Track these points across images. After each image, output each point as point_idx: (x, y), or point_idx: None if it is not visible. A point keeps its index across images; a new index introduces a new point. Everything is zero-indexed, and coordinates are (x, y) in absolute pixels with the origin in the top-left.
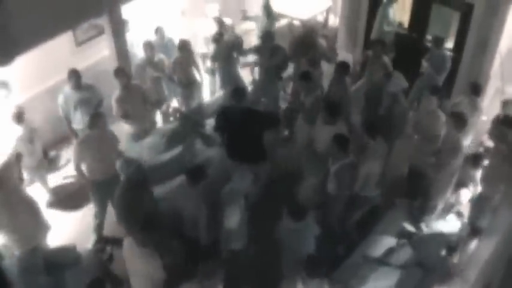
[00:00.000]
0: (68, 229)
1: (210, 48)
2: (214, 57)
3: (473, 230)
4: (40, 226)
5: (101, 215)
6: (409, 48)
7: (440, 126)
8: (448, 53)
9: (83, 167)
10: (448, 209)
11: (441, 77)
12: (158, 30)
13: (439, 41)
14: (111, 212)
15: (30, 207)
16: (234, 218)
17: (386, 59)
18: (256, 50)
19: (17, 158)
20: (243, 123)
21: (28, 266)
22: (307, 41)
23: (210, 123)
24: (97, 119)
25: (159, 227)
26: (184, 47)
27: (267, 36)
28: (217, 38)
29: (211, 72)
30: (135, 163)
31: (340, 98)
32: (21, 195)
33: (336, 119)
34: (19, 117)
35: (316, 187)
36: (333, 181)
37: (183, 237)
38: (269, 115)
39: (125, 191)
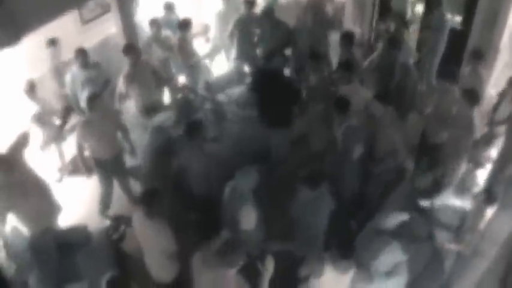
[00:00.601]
0: (79, 210)
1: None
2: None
3: (488, 196)
4: (51, 207)
5: (106, 193)
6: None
7: (454, 104)
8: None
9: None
10: (463, 189)
11: (443, 38)
12: (167, 6)
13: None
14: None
15: (41, 188)
16: (248, 219)
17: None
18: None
19: (24, 138)
20: (279, 86)
21: (39, 247)
22: (316, 6)
23: (222, 97)
24: (95, 100)
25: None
26: (185, 25)
27: (266, 13)
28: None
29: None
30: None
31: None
32: (31, 176)
33: (350, 76)
34: (31, 89)
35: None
36: (341, 143)
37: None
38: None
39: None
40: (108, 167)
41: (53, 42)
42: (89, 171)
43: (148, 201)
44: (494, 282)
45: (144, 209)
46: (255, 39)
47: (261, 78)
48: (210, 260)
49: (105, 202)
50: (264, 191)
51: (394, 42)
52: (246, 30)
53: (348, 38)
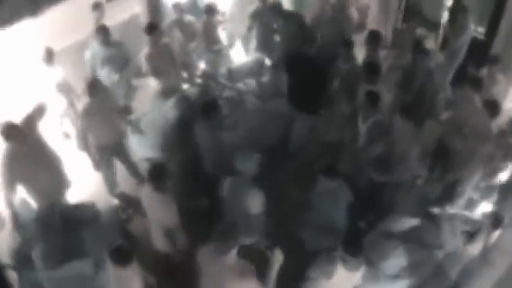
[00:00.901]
0: (88, 187)
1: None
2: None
3: (495, 218)
4: (61, 181)
5: (109, 175)
6: None
7: (474, 113)
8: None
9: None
10: (475, 200)
11: (465, 45)
12: None
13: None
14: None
15: (53, 161)
16: (255, 203)
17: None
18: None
19: (40, 109)
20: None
21: (46, 220)
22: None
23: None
24: (94, 85)
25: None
26: (210, 10)
27: (273, 7)
28: None
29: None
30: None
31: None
32: (44, 148)
33: (375, 78)
34: (49, 57)
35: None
36: (364, 138)
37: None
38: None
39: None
40: (111, 152)
41: (97, 6)
42: (94, 160)
43: (156, 176)
44: None
45: (152, 184)
46: (274, 30)
47: (293, 61)
48: (210, 250)
49: (110, 182)
50: (269, 178)
51: (421, 47)
52: (263, 21)
53: (374, 37)
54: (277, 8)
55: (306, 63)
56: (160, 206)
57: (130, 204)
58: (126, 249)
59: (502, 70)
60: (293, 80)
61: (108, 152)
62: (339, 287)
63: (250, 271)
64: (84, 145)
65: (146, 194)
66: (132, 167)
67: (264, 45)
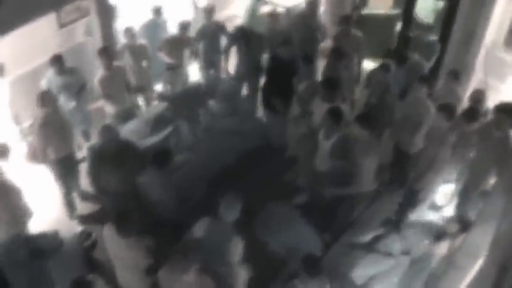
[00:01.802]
0: (50, 215)
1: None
2: (199, 37)
3: (462, 223)
4: (20, 214)
5: (67, 193)
6: None
7: (429, 116)
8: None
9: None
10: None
11: (429, 64)
12: (155, 10)
13: (429, 29)
14: None
15: (11, 195)
16: (236, 251)
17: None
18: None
19: (4, 152)
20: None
21: (10, 253)
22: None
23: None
24: (45, 96)
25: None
26: (185, 27)
27: (239, 31)
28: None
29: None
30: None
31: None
32: (1, 183)
33: (334, 95)
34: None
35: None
36: (327, 155)
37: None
38: None
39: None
40: (66, 166)
41: None
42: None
43: (122, 222)
44: None
45: (118, 229)
46: (219, 47)
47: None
48: (172, 269)
49: (69, 202)
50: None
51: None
52: (209, 39)
53: (337, 53)
54: (221, 27)
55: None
56: (125, 249)
57: (92, 228)
58: (86, 282)
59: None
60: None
61: (63, 166)
62: None
63: (210, 285)
64: (44, 158)
65: (110, 236)
66: (77, 186)
67: (208, 62)
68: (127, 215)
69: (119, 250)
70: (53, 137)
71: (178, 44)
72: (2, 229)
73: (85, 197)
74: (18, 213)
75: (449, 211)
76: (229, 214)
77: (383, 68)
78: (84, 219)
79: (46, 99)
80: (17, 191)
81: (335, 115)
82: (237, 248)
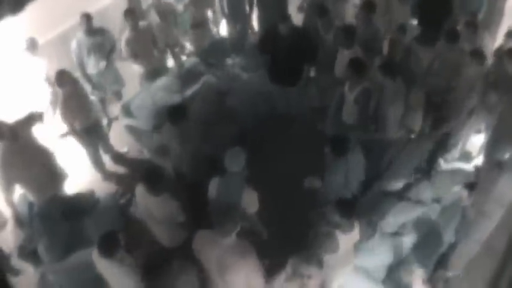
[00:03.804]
0: (86, 176)
1: None
2: None
3: (493, 163)
4: (55, 176)
5: (92, 154)
6: None
7: (459, 62)
8: None
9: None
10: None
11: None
12: None
13: None
14: None
15: (45, 158)
16: (251, 202)
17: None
18: None
19: (35, 117)
20: (292, 44)
21: (46, 215)
22: None
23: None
24: (63, 76)
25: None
26: None
27: None
28: None
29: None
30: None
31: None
32: (35, 146)
33: (353, 42)
34: (33, 46)
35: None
36: (350, 108)
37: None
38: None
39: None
40: (91, 134)
41: None
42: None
43: (153, 179)
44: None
45: (148, 187)
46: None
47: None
48: (211, 235)
49: (96, 161)
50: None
51: None
52: None
53: (369, 7)
54: None
55: (283, 39)
56: (158, 206)
57: (128, 187)
58: (113, 238)
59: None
60: (271, 57)
61: (89, 135)
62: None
63: (250, 251)
64: (71, 130)
65: (142, 194)
66: (109, 149)
67: (233, 14)
68: (157, 173)
69: (151, 208)
70: (75, 111)
71: (202, 2)
72: (38, 192)
73: (117, 159)
74: (53, 174)
75: (480, 160)
76: (234, 165)
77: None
78: (116, 179)
79: (65, 78)
80: (52, 153)
81: (357, 66)
82: (251, 199)
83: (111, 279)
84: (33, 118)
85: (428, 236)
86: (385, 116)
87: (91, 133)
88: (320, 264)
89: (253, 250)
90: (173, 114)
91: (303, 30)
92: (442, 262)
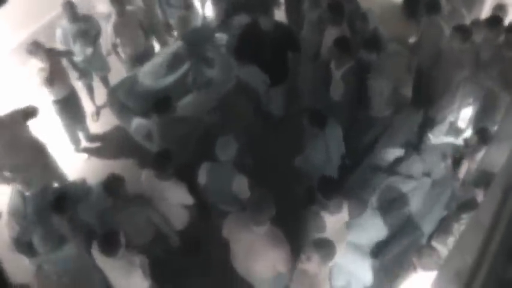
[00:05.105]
0: (76, 166)
1: None
2: None
3: (483, 133)
4: (47, 166)
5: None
6: None
7: (443, 38)
8: None
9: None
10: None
11: None
12: None
13: None
14: None
15: (36, 149)
16: (243, 189)
17: None
18: None
19: (32, 113)
20: (273, 40)
21: (39, 206)
22: None
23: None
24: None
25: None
26: None
27: None
28: None
29: None
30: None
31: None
32: (26, 137)
33: (341, 18)
34: (36, 49)
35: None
36: (338, 85)
37: None
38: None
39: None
40: (65, 105)
41: None
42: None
43: (162, 164)
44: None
45: (157, 172)
46: None
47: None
48: (242, 220)
49: (73, 139)
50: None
51: None
52: None
53: None
54: None
55: (265, 35)
56: (167, 190)
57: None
58: (115, 238)
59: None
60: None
61: (63, 106)
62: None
63: (281, 240)
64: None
65: (148, 178)
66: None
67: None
68: (166, 158)
69: (161, 192)
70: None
71: None
72: (28, 184)
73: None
74: (42, 168)
75: (469, 134)
76: (224, 154)
77: None
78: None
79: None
80: (41, 146)
81: (342, 45)
82: (242, 186)
83: (110, 274)
84: (27, 111)
85: (418, 211)
86: (372, 94)
87: (67, 104)
88: (319, 246)
89: (285, 239)
90: (160, 107)
91: (286, 25)
92: (433, 236)
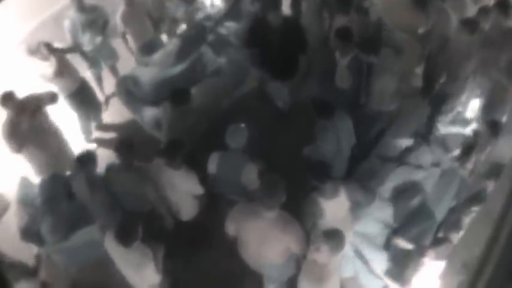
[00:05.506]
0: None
1: None
2: None
3: (492, 125)
4: (60, 151)
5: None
6: None
7: (451, 29)
8: None
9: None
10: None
11: None
12: None
13: None
14: None
15: (55, 135)
16: (252, 179)
17: None
18: None
19: (52, 98)
20: (285, 34)
21: (49, 193)
22: None
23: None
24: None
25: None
26: None
27: None
28: None
29: None
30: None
31: None
32: (45, 123)
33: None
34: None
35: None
36: (344, 73)
37: None
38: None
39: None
40: (78, 99)
41: None
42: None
43: (174, 153)
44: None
45: (169, 161)
46: None
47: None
48: (250, 209)
49: (85, 129)
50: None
51: None
52: None
53: None
54: None
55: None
56: (178, 180)
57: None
58: (133, 230)
59: None
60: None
61: (75, 99)
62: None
63: (292, 224)
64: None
65: (159, 167)
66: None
67: None
68: (177, 147)
69: (172, 181)
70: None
71: None
72: (41, 169)
73: (104, 128)
74: (58, 155)
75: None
76: (235, 141)
77: None
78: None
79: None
80: (59, 133)
81: (343, 36)
82: (252, 176)
83: (121, 265)
84: (46, 97)
85: (428, 201)
86: (376, 89)
87: (78, 99)
88: (328, 236)
89: (296, 222)
90: (177, 98)
91: (295, 21)
92: (442, 227)
